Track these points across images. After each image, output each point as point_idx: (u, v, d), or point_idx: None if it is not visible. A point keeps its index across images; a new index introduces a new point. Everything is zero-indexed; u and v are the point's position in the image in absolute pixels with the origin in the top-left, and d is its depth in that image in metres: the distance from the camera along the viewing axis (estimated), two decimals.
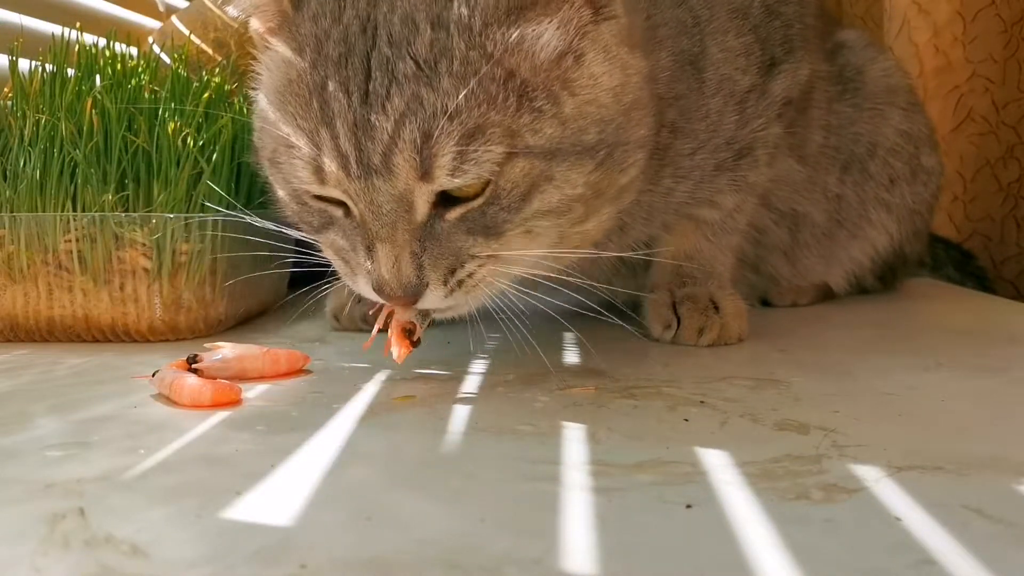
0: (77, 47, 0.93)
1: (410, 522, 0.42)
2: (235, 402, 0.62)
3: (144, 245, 0.81)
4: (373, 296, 0.65)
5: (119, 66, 0.91)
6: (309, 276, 0.79)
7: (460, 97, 0.57)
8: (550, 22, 0.61)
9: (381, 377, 0.70)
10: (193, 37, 1.19)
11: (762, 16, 0.85)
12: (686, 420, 0.58)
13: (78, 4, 1.26)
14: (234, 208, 0.80)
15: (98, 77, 0.89)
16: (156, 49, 1.09)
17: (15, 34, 0.94)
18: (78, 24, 0.96)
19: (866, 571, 0.37)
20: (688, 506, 0.43)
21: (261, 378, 0.69)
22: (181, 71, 0.93)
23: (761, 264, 1.07)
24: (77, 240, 0.81)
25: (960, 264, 1.44)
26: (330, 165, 0.61)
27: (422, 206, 0.61)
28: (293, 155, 0.62)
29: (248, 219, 0.76)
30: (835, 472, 0.48)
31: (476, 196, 0.61)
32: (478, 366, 0.74)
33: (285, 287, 1.06)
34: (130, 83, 0.89)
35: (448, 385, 0.68)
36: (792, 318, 1.02)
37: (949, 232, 1.50)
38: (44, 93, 0.87)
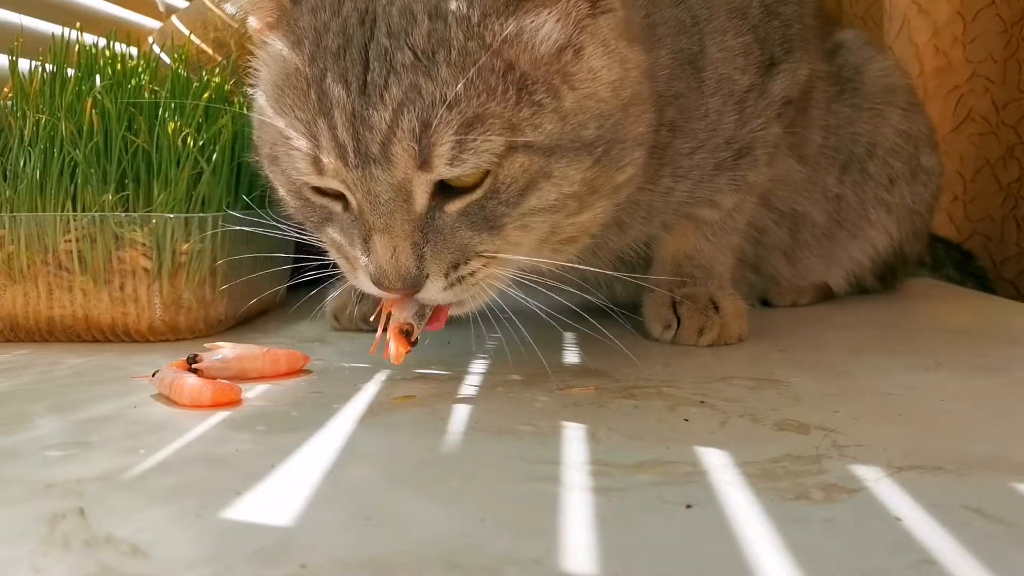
0: (77, 47, 0.93)
1: (410, 522, 0.42)
2: (235, 402, 0.62)
3: (144, 245, 0.81)
4: (373, 290, 0.65)
5: (119, 66, 0.91)
6: (310, 279, 0.79)
7: (459, 86, 0.58)
8: (549, 14, 0.61)
9: (381, 377, 0.70)
10: (193, 37, 1.18)
11: (761, 16, 0.85)
12: (686, 420, 0.58)
13: (78, 4, 1.26)
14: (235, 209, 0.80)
15: (98, 77, 0.89)
16: (156, 49, 1.09)
17: (15, 34, 0.94)
18: (78, 24, 0.95)
19: (866, 571, 0.37)
20: (688, 506, 0.43)
21: (261, 378, 0.69)
22: (181, 71, 0.93)
23: (761, 264, 1.07)
24: (77, 240, 0.81)
25: (960, 264, 1.44)
26: (328, 155, 0.61)
27: (421, 196, 0.61)
28: (291, 147, 0.62)
29: (262, 221, 0.75)
30: (835, 472, 0.48)
31: (475, 188, 0.61)
32: (478, 366, 0.74)
33: (285, 288, 1.06)
34: (130, 83, 0.89)
35: (448, 385, 0.68)
36: (792, 318, 1.02)
37: (949, 232, 1.50)
38: (44, 93, 0.87)
